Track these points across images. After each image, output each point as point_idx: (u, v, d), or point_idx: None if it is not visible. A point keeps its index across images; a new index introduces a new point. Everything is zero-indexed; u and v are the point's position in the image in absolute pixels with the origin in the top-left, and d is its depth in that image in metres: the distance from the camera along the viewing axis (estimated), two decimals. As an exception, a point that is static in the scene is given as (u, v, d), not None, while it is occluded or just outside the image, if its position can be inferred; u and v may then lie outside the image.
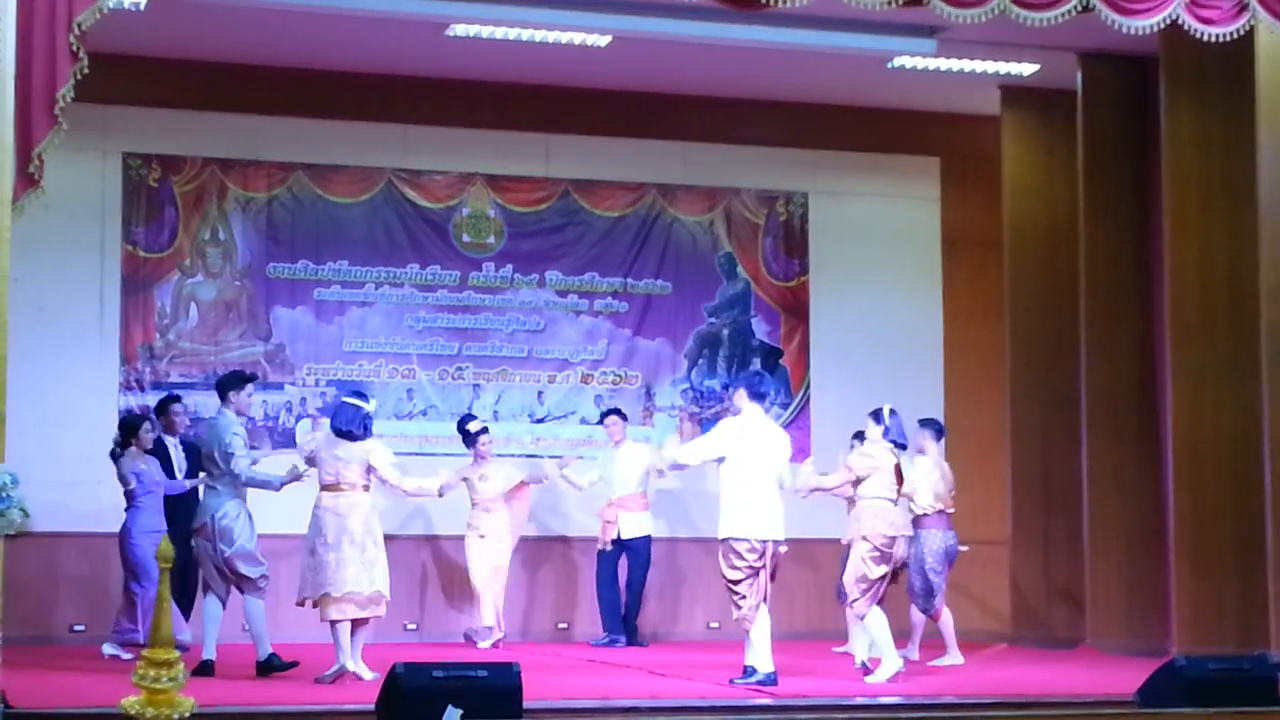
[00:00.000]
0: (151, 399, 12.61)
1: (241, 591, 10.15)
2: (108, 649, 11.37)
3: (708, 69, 13.41)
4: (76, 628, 12.59)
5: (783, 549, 9.87)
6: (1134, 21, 9.98)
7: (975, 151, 14.59)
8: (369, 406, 10.10)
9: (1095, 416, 12.97)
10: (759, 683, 9.55)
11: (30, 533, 8.48)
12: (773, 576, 9.80)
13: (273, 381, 13.36)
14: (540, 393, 14.08)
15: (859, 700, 9.19)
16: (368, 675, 9.66)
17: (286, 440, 13.15)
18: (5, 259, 8.01)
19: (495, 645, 12.51)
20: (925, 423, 11.95)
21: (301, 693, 9.09)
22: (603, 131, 14.18)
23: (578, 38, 12.58)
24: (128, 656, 11.01)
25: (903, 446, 10.48)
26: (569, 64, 13.25)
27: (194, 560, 10.70)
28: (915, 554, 11.22)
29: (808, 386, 14.58)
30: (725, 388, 14.13)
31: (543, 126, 14.08)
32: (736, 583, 9.68)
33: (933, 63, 13.02)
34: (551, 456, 13.42)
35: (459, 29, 12.35)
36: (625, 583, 12.97)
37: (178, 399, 12.17)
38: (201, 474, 10.66)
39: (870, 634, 10.21)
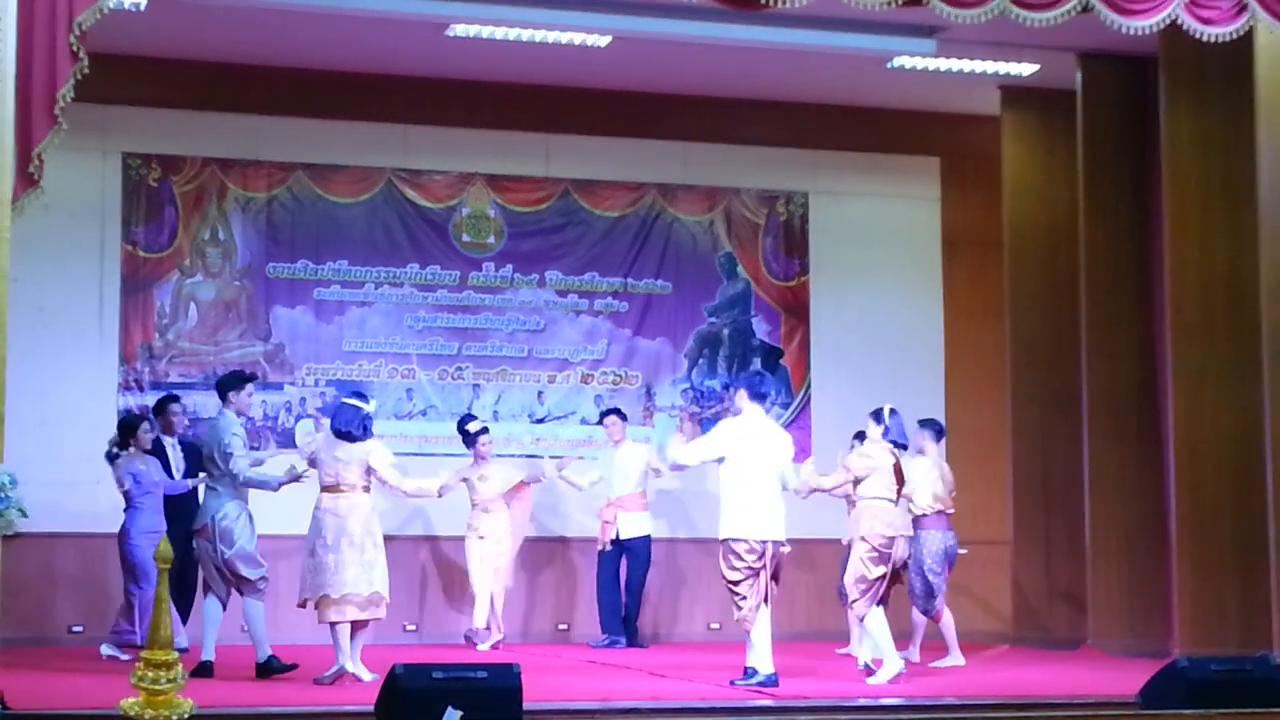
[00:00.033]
0: (151, 399, 12.60)
1: (241, 593, 10.14)
2: (105, 650, 11.37)
3: (708, 69, 13.40)
4: (75, 629, 12.57)
5: (785, 549, 9.87)
6: (1133, 22, 9.99)
7: (975, 151, 14.58)
8: (369, 407, 10.08)
9: (1096, 417, 12.96)
10: (759, 684, 9.54)
11: (28, 533, 8.47)
12: (776, 577, 9.80)
13: (272, 381, 13.34)
14: (540, 393, 14.07)
15: (860, 702, 9.17)
16: (367, 676, 9.65)
17: (287, 440, 13.14)
18: (5, 259, 8.01)
19: (495, 646, 12.50)
20: (925, 423, 11.94)
21: (301, 694, 9.08)
22: (603, 131, 14.17)
23: (578, 38, 12.58)
24: (125, 658, 11.00)
25: (903, 447, 10.48)
26: (569, 64, 13.24)
27: (193, 561, 10.70)
28: (914, 555, 11.21)
29: (808, 386, 14.57)
30: (726, 388, 14.12)
31: (543, 126, 14.07)
32: (736, 583, 9.68)
33: (933, 63, 13.01)
34: (552, 456, 13.40)
35: (459, 29, 12.35)
36: (625, 583, 12.96)
37: (176, 399, 12.16)
38: (201, 474, 10.66)
39: (870, 635, 10.20)
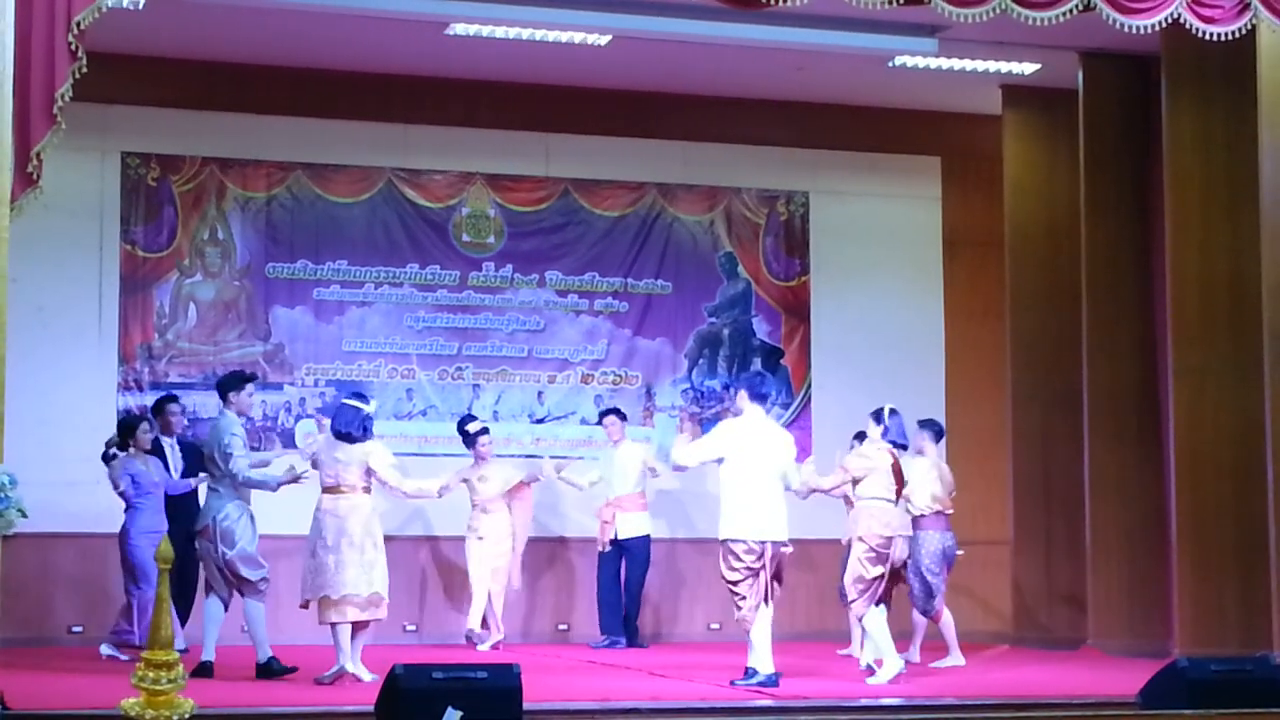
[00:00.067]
0: (150, 399, 12.57)
1: (242, 594, 10.13)
2: (105, 649, 11.35)
3: (708, 69, 13.39)
4: (74, 629, 12.56)
5: (787, 550, 9.86)
6: (1135, 20, 9.97)
7: (976, 151, 14.57)
8: (369, 408, 10.07)
9: (1096, 417, 12.95)
10: (760, 684, 9.53)
11: (28, 533, 8.45)
12: (779, 578, 9.80)
13: (272, 382, 13.32)
14: (540, 393, 14.05)
15: (860, 702, 9.16)
16: (367, 677, 9.64)
17: (288, 441, 13.14)
18: (4, 259, 7.99)
19: (495, 646, 12.49)
20: (924, 424, 11.94)
21: (301, 694, 9.08)
22: (603, 131, 14.15)
23: (578, 37, 12.56)
24: (124, 658, 10.99)
25: (903, 447, 10.48)
26: (569, 64, 13.22)
27: (192, 562, 10.69)
28: (912, 555, 11.20)
29: (809, 386, 14.56)
30: (726, 388, 14.10)
31: (542, 126, 14.06)
32: (735, 583, 9.70)
33: (934, 62, 12.99)
34: (552, 457, 13.39)
35: (459, 28, 12.33)
36: (624, 583, 12.95)
37: (174, 399, 12.14)
38: (202, 474, 10.64)
39: (869, 635, 10.19)
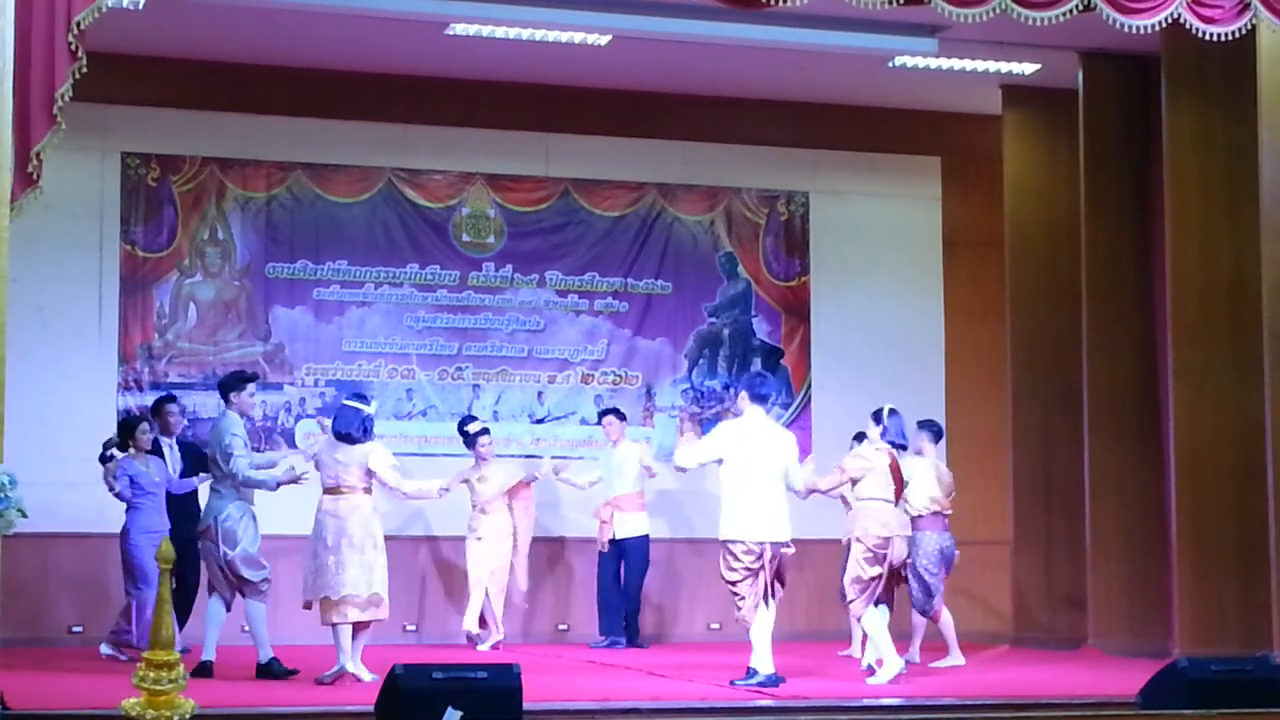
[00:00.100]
0: (150, 399, 12.56)
1: (243, 594, 10.13)
2: (104, 649, 11.35)
3: (708, 69, 13.39)
4: (74, 629, 12.56)
5: (788, 550, 9.86)
6: (1135, 20, 9.97)
7: (976, 151, 14.57)
8: (369, 409, 10.07)
9: (1096, 417, 12.94)
10: (760, 684, 9.54)
11: (28, 533, 8.45)
12: (781, 578, 9.81)
13: (272, 382, 13.32)
14: (540, 393, 14.05)
15: (860, 702, 9.16)
16: (367, 677, 9.64)
17: (288, 441, 13.15)
18: (4, 259, 7.99)
19: (495, 646, 12.48)
20: (924, 424, 11.94)
21: (301, 694, 9.08)
22: (603, 131, 14.15)
23: (578, 37, 12.56)
24: (124, 658, 10.99)
25: (902, 447, 10.48)
26: (569, 64, 13.22)
27: (192, 564, 10.69)
28: (911, 555, 11.20)
29: (809, 386, 14.56)
30: (726, 388, 14.11)
31: (542, 126, 14.06)
32: (735, 583, 9.73)
33: (934, 62, 12.99)
34: (552, 457, 13.39)
35: (459, 28, 12.33)
36: (623, 583, 12.95)
37: (173, 399, 12.13)
38: (204, 474, 10.64)
39: (869, 635, 10.19)
